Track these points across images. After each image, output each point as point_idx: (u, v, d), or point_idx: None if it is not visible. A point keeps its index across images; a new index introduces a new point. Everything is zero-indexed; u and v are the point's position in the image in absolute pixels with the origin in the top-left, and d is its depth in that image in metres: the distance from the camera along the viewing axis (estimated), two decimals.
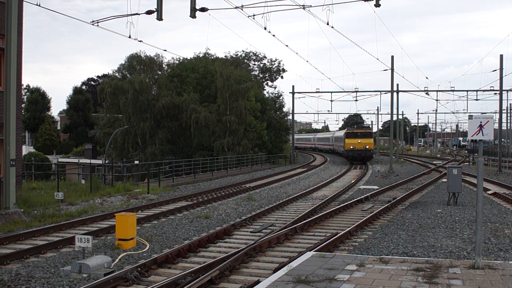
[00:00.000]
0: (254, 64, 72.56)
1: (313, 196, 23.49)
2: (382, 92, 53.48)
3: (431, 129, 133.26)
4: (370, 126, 60.13)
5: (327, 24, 19.97)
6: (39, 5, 16.73)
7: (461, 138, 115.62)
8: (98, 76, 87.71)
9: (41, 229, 14.40)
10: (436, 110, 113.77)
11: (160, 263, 10.52)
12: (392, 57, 43.08)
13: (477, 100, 51.04)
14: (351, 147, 52.01)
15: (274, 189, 27.14)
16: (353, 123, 57.44)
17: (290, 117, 64.51)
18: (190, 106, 49.22)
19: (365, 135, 52.91)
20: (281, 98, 64.00)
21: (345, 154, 54.09)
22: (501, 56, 40.01)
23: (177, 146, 53.23)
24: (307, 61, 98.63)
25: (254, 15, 19.58)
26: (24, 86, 78.67)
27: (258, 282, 8.57)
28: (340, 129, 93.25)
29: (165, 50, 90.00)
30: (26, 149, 58.70)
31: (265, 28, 19.87)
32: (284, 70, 73.27)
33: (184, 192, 25.02)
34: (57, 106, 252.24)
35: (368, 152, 52.38)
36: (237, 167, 44.39)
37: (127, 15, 18.59)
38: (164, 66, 60.94)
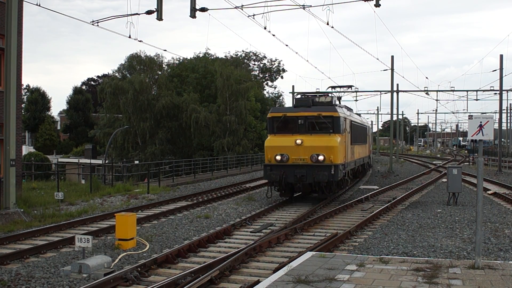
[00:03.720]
0: (254, 64, 72.61)
1: (313, 196, 23.47)
2: (382, 92, 53.34)
3: (431, 129, 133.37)
4: (337, 101, 23.40)
5: (327, 24, 19.96)
6: (39, 5, 16.73)
7: (461, 138, 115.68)
8: (98, 76, 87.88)
9: (41, 229, 14.40)
10: (436, 110, 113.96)
11: (160, 263, 10.52)
12: (392, 57, 43.08)
13: (477, 100, 50.91)
14: (278, 157, 19.75)
15: None
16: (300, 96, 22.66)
17: None
18: (190, 106, 49.24)
19: (319, 125, 20.05)
20: (281, 98, 64.04)
21: (266, 174, 20.22)
22: (501, 56, 40.06)
23: (177, 146, 53.25)
24: (307, 61, 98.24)
25: (254, 15, 19.58)
26: (24, 86, 78.71)
27: (258, 282, 8.57)
28: None
29: (165, 50, 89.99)
30: (26, 149, 58.72)
31: (265, 28, 19.86)
32: (284, 70, 73.29)
33: (184, 192, 25.02)
34: (57, 106, 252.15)
35: (323, 172, 19.01)
36: (237, 167, 44.36)
37: (127, 15, 18.58)
38: (164, 66, 60.99)
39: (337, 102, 23.65)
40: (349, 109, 25.62)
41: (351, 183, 26.27)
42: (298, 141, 19.32)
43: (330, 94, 22.37)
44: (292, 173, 19.17)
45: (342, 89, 25.89)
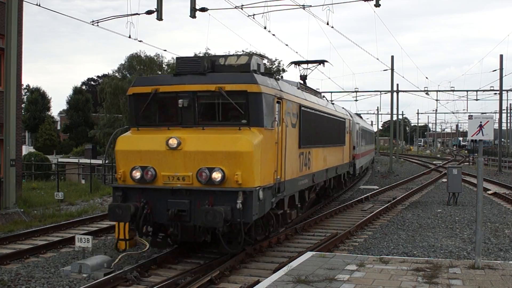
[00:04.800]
0: None
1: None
2: (382, 92, 53.37)
3: (431, 129, 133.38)
4: (262, 67, 11.62)
5: (327, 24, 19.95)
6: (39, 5, 16.71)
7: (461, 138, 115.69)
8: (98, 76, 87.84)
9: (41, 229, 14.40)
10: (436, 110, 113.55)
11: (160, 263, 10.52)
12: (392, 57, 43.13)
13: (477, 100, 50.95)
14: (136, 173, 10.36)
15: None
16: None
17: None
18: None
19: (222, 111, 10.43)
20: None
21: (110, 209, 10.16)
22: (501, 56, 40.12)
23: None
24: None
25: (254, 15, 19.56)
26: (24, 86, 78.70)
27: (258, 282, 8.57)
28: None
29: (165, 50, 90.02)
30: (26, 149, 58.69)
31: (265, 28, 19.85)
32: (284, 70, 73.27)
33: None
34: (57, 106, 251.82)
35: (222, 204, 9.47)
36: None
37: (127, 15, 18.57)
38: (164, 66, 60.97)
39: (285, 76, 15.18)
40: (307, 88, 15.94)
41: (303, 212, 15.55)
42: (172, 142, 9.94)
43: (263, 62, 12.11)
44: (163, 205, 9.91)
45: (310, 65, 17.64)
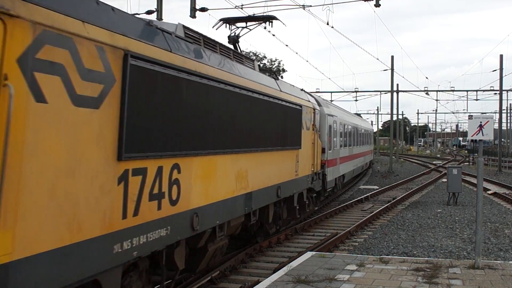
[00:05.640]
0: None
1: None
2: (382, 92, 53.42)
3: (431, 129, 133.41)
4: None
5: (327, 24, 19.99)
6: None
7: (461, 138, 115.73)
8: None
9: None
10: (436, 110, 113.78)
11: None
12: (392, 57, 43.08)
13: (477, 100, 51.06)
14: None
15: None
16: None
17: None
18: None
19: None
20: None
21: None
22: (501, 56, 40.14)
23: None
24: (307, 61, 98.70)
25: (254, 15, 19.60)
26: None
27: (258, 282, 8.57)
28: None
29: None
30: None
31: (265, 28, 19.85)
32: (284, 70, 73.26)
33: None
34: None
35: None
36: None
37: None
38: None
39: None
40: (223, 48, 9.42)
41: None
42: None
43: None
44: None
45: (249, 24, 12.46)
